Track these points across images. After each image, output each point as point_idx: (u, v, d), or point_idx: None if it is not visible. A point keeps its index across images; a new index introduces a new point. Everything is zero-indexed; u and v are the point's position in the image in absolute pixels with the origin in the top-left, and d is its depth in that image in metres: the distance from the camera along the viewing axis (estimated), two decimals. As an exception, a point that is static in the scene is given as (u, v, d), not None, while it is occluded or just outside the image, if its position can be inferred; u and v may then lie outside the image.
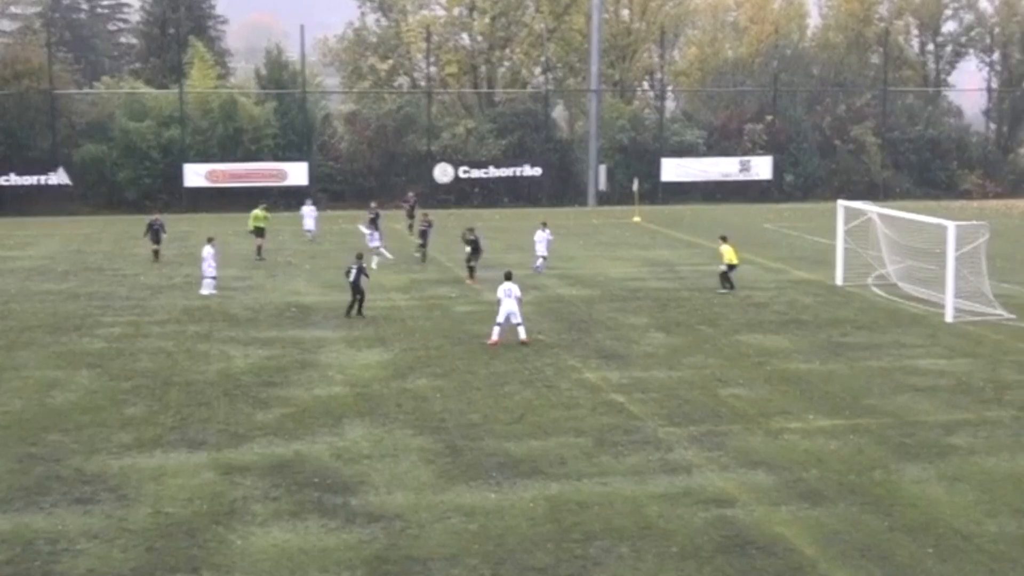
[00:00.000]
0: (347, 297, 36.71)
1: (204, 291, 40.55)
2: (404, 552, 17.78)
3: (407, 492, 20.36)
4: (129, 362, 30.42)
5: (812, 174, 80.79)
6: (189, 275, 44.99)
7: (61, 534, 18.41)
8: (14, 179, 71.23)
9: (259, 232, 50.44)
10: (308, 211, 57.01)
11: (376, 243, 47.86)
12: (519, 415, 25.24)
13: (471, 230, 44.17)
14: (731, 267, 40.97)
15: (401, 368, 29.68)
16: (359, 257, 37.75)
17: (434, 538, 18.31)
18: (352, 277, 36.40)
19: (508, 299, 32.44)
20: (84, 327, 35.10)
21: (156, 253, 49.30)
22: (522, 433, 23.90)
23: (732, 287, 40.73)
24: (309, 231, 56.24)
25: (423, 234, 48.94)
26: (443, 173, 75.06)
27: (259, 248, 50.00)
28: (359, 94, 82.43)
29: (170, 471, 21.54)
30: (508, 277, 33.18)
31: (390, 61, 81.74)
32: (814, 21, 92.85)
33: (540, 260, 45.69)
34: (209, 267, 41.01)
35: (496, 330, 32.49)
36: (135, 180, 71.87)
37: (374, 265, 44.83)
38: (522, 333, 32.49)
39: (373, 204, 55.43)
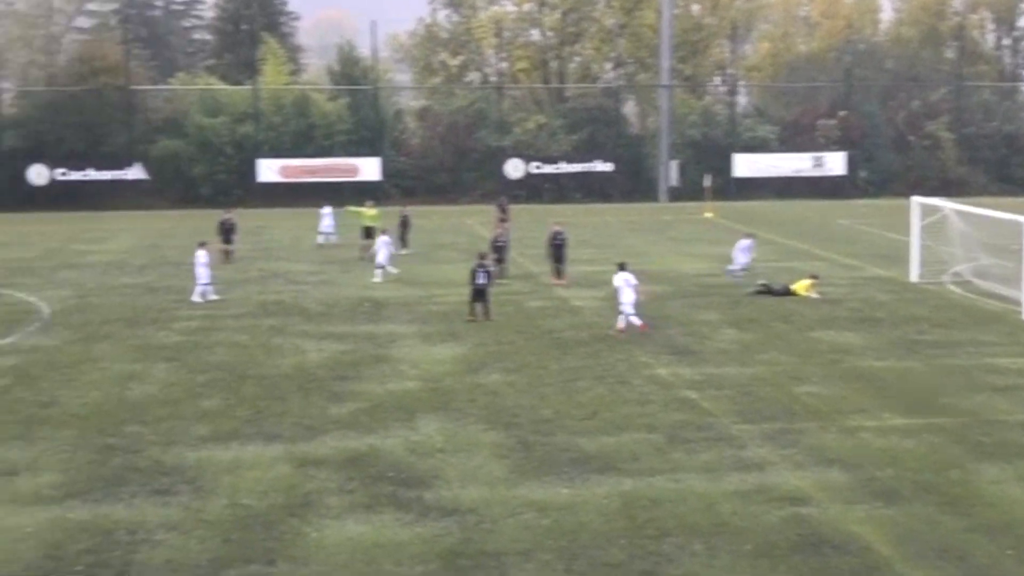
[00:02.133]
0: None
1: (195, 298, 38.21)
2: (478, 547, 17.84)
3: (480, 487, 20.41)
4: (205, 355, 30.74)
5: (886, 170, 79.96)
6: (264, 269, 45.50)
7: (140, 524, 18.62)
8: (92, 174, 72.62)
9: (369, 232, 47.56)
10: (326, 212, 53.53)
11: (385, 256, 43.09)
12: (591, 411, 25.22)
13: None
14: (789, 292, 39.47)
15: (473, 363, 29.75)
16: (482, 257, 36.55)
17: (507, 533, 18.35)
18: (479, 280, 35.16)
19: (627, 288, 32.96)
20: (161, 320, 35.50)
21: (227, 254, 46.64)
22: (594, 429, 23.88)
23: (768, 289, 39.39)
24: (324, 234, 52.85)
25: (499, 249, 43.19)
26: (514, 168, 75.20)
27: (366, 248, 46.59)
28: (430, 90, 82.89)
29: (246, 463, 21.74)
30: (622, 267, 33.71)
31: (461, 57, 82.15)
32: (887, 15, 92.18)
33: (738, 267, 42.55)
34: (203, 273, 38.45)
35: (620, 318, 33.00)
36: (210, 175, 72.87)
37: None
38: (637, 321, 32.84)
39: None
